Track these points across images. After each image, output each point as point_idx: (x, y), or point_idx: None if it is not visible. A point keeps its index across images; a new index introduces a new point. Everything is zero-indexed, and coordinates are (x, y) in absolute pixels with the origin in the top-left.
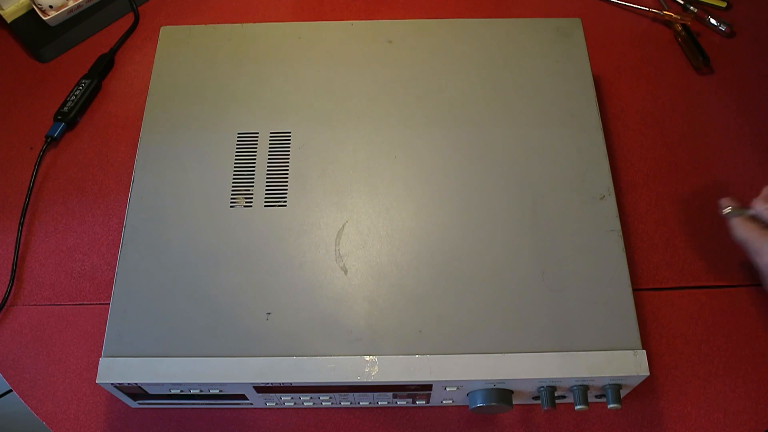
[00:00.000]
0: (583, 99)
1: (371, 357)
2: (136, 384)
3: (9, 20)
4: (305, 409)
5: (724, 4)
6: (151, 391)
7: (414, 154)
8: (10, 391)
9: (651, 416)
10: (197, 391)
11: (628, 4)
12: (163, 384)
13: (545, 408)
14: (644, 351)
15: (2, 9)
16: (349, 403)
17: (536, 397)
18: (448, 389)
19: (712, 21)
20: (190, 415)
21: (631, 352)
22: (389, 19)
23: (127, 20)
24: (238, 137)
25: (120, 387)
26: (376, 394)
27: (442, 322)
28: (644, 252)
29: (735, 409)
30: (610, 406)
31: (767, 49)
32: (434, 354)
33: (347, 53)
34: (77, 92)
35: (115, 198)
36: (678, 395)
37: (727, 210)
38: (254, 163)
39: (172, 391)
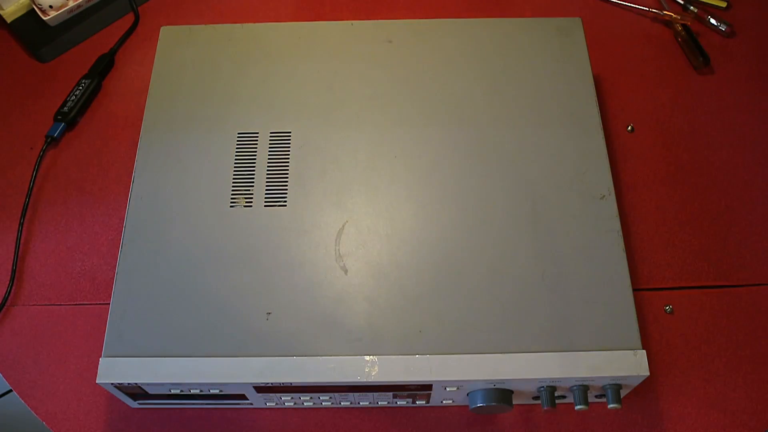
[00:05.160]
0: (583, 99)
1: (371, 357)
2: (136, 384)
3: (9, 20)
4: (305, 409)
5: (724, 4)
6: (151, 391)
7: (414, 154)
8: (10, 391)
9: (651, 416)
10: (197, 391)
11: (628, 4)
12: (163, 384)
13: (545, 408)
14: (644, 351)
15: (2, 9)
16: (349, 403)
17: (536, 397)
18: (448, 389)
19: (712, 21)
20: (190, 415)
21: (631, 352)
22: (389, 19)
23: (127, 20)
24: (238, 137)
25: (120, 387)
26: (376, 394)
27: (442, 322)
28: (644, 252)
29: (735, 409)
30: (610, 406)
31: (767, 49)
32: (434, 354)
33: (347, 53)
34: (77, 92)
35: (115, 198)
36: (678, 395)
37: None
38: (254, 163)
39: (172, 391)
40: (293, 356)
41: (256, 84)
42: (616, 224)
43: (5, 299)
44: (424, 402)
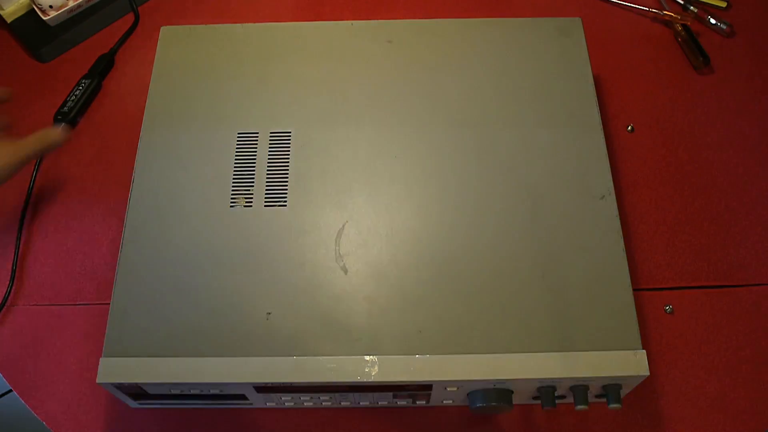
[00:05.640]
0: (583, 99)
1: (371, 357)
2: (136, 384)
3: (9, 20)
4: (305, 409)
5: (724, 4)
6: (151, 391)
7: (414, 154)
8: (10, 391)
9: (651, 416)
10: (197, 391)
11: (628, 4)
12: (163, 384)
13: (545, 408)
14: (644, 351)
15: (2, 9)
16: (349, 403)
17: (536, 397)
18: (448, 389)
19: (712, 21)
20: (190, 415)
21: (631, 352)
22: (389, 19)
23: (127, 20)
24: (238, 137)
25: (120, 387)
26: (376, 394)
27: (442, 322)
28: (644, 252)
29: (735, 409)
30: (610, 406)
31: (767, 49)
32: (434, 354)
33: (347, 53)
34: (77, 92)
35: (115, 198)
36: (678, 395)
37: None
38: (254, 163)
39: (172, 391)
40: (293, 356)
41: (256, 84)
42: (616, 224)
43: (5, 299)
44: (424, 402)
